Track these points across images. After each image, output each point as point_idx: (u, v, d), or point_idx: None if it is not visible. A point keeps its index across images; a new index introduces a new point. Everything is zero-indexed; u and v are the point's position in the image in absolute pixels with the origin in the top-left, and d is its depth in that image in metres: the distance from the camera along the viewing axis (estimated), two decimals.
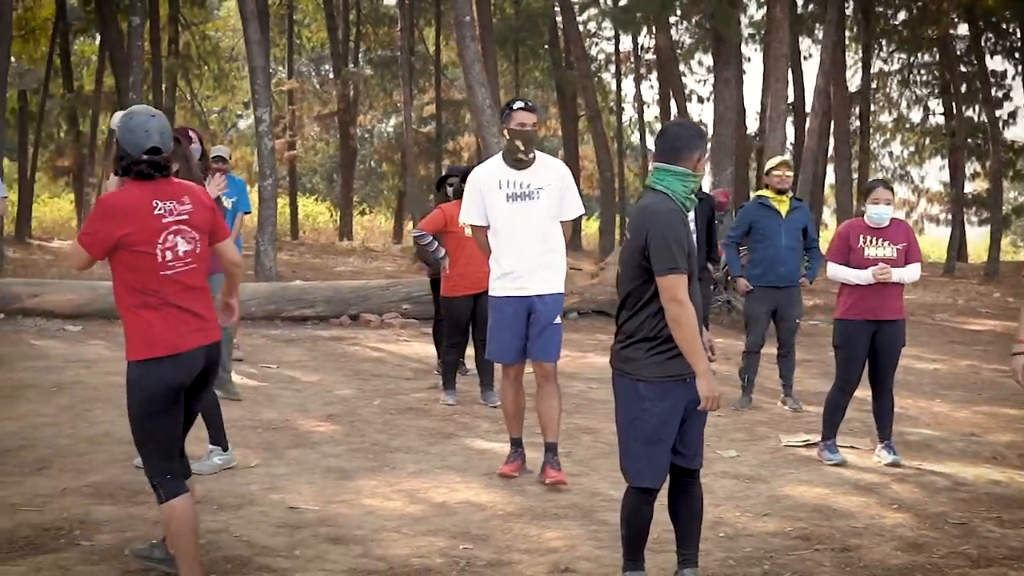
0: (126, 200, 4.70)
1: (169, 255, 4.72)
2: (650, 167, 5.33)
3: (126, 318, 4.77)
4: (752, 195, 16.19)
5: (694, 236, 7.74)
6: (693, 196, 4.84)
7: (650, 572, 5.13)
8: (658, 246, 4.64)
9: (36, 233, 32.09)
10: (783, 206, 9.68)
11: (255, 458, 7.52)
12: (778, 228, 9.60)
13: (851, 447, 8.25)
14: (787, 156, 10.29)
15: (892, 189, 8.00)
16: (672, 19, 27.95)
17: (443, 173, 11.24)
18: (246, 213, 11.01)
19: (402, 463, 7.54)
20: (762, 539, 6.02)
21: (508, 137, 7.10)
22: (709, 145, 30.85)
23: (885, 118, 40.21)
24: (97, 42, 39.20)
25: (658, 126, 37.02)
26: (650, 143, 37.80)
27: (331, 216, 44.89)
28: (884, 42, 35.07)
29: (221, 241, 5.08)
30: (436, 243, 9.71)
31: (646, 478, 4.81)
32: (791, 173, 9.86)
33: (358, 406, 9.45)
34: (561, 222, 7.18)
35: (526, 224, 7.05)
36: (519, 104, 7.11)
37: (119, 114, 4.98)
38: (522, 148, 7.04)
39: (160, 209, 4.72)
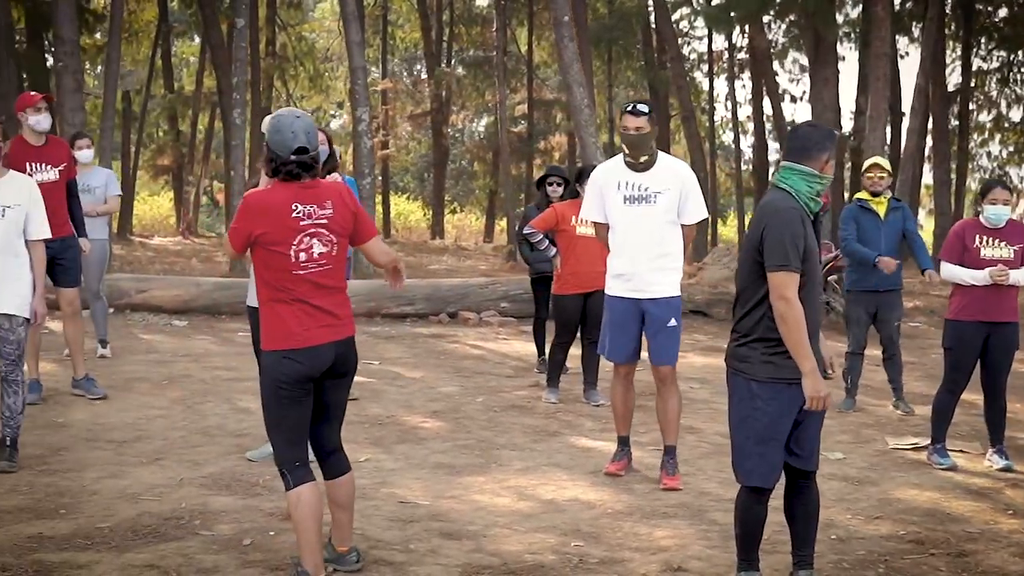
0: (266, 200, 4.85)
1: (303, 256, 4.83)
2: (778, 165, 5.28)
3: (262, 311, 4.93)
4: (850, 196, 16.00)
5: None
6: (818, 198, 4.82)
7: (763, 573, 5.12)
8: (772, 242, 4.63)
9: (136, 230, 32.74)
10: (881, 207, 9.55)
11: (364, 453, 7.62)
12: (877, 231, 9.47)
13: (960, 451, 8.15)
14: (883, 158, 10.07)
15: (1011, 189, 7.87)
16: (766, 18, 27.69)
17: (543, 173, 11.26)
18: None
19: (508, 460, 7.60)
20: (875, 542, 5.98)
21: (620, 141, 7.12)
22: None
23: (984, 117, 39.48)
24: (196, 43, 39.98)
25: (750, 126, 36.77)
26: (744, 143, 37.57)
27: (423, 215, 45.23)
28: (984, 40, 34.42)
29: (366, 242, 5.17)
30: (547, 241, 9.75)
31: (757, 477, 4.81)
32: (885, 174, 9.68)
33: (462, 403, 9.54)
34: (683, 225, 7.17)
35: (641, 227, 7.04)
36: (628, 107, 7.08)
37: (268, 118, 5.10)
38: (628, 152, 7.05)
39: (298, 212, 4.83)
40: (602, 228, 7.33)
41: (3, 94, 16.79)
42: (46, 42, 28.50)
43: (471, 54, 38.72)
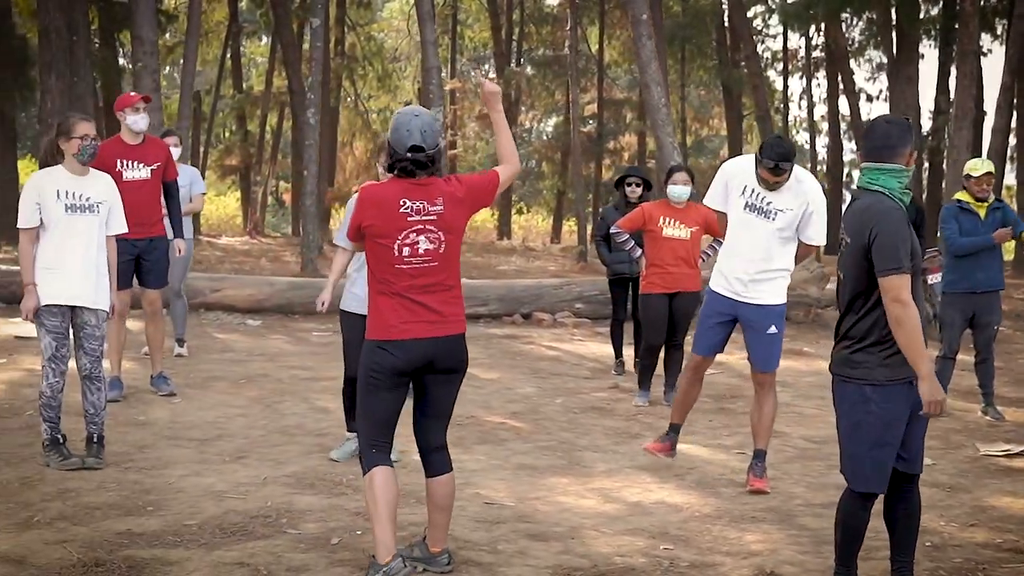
0: (377, 194, 4.93)
1: (407, 251, 4.89)
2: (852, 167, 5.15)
3: (369, 301, 5.04)
4: (927, 198, 15.72)
5: None
6: (907, 190, 4.71)
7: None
8: (882, 245, 4.52)
9: (203, 230, 33.03)
10: (981, 209, 9.36)
11: None
12: (976, 231, 9.29)
13: None
14: (990, 165, 9.78)
15: None
16: (843, 15, 27.39)
17: (622, 173, 11.16)
18: None
19: (591, 462, 7.53)
20: (971, 550, 5.83)
21: (759, 182, 6.90)
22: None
23: None
24: (263, 43, 40.27)
25: (825, 125, 36.43)
26: (819, 142, 37.19)
27: (490, 215, 45.24)
28: None
29: (496, 189, 5.22)
30: (632, 241, 9.66)
31: (874, 482, 4.70)
32: (990, 187, 9.47)
33: (540, 404, 9.48)
34: (803, 244, 7.03)
35: (754, 237, 6.93)
36: (770, 164, 6.71)
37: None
38: (767, 188, 6.88)
39: (406, 207, 4.89)
40: (724, 218, 7.27)
41: (80, 95, 16.98)
42: (117, 42, 28.96)
43: (541, 53, 38.67)
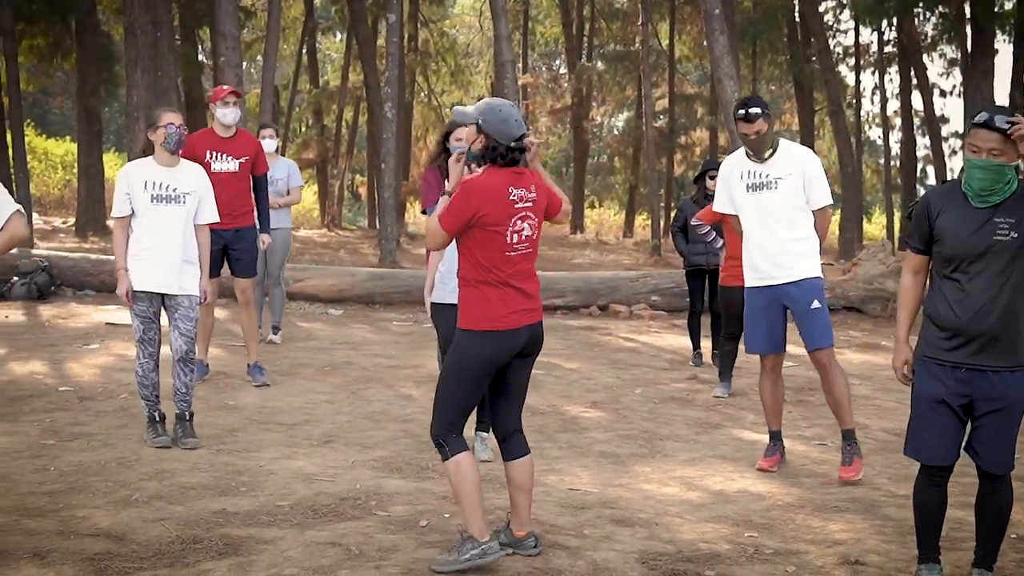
0: (487, 184, 5.05)
1: (515, 237, 5.07)
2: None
3: (466, 292, 5.13)
4: None
5: None
6: None
7: (944, 569, 5.04)
8: None
9: None
10: None
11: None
12: None
13: None
14: None
15: None
16: (916, 8, 27.10)
17: (701, 167, 11.22)
18: None
19: (673, 451, 7.61)
20: None
21: (742, 143, 7.15)
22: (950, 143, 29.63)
23: None
24: (339, 39, 40.66)
25: (898, 121, 36.00)
26: (892, 138, 36.79)
27: None
28: None
29: (555, 214, 5.40)
30: (714, 232, 9.72)
31: (912, 450, 4.94)
32: None
33: (620, 394, 9.58)
34: (814, 212, 7.12)
35: (766, 214, 7.05)
36: (740, 114, 6.98)
37: (470, 108, 5.27)
38: (752, 153, 7.06)
39: (513, 195, 5.06)
40: (736, 220, 7.36)
41: (164, 89, 17.31)
42: (197, 38, 29.42)
43: (612, 48, 38.66)
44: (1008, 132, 4.54)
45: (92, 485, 6.28)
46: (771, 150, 7.07)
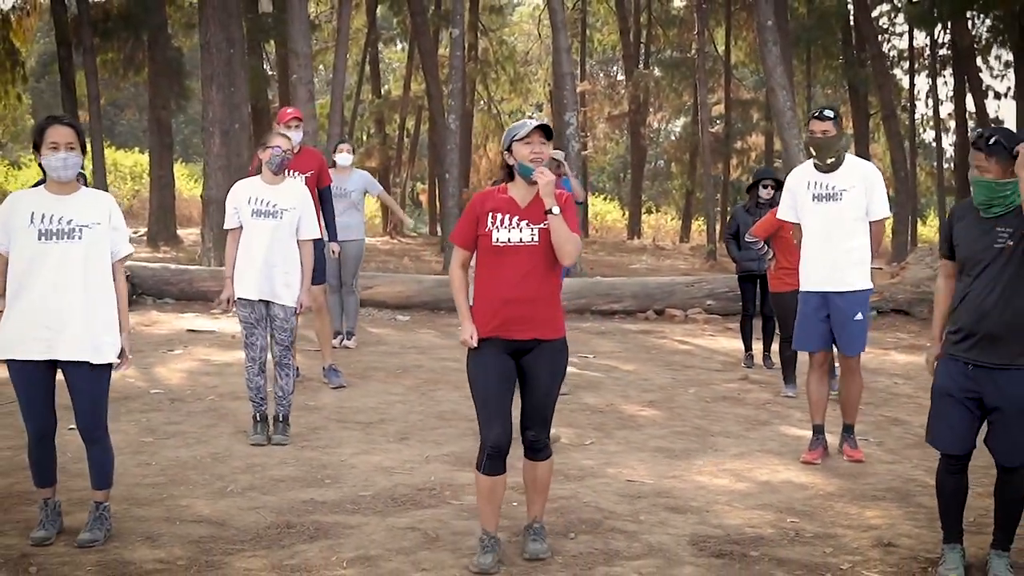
0: None
1: None
2: None
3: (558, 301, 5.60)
4: None
5: None
6: None
7: (969, 550, 5.53)
8: None
9: None
10: None
11: (589, 437, 8.28)
12: None
13: None
14: None
15: None
16: (969, 12, 27.33)
17: (754, 176, 11.67)
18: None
19: (724, 446, 8.14)
20: None
21: (807, 145, 7.78)
22: None
23: None
24: (400, 48, 41.33)
25: (952, 124, 36.08)
26: (945, 141, 36.87)
27: (621, 214, 45.74)
28: None
29: None
30: (765, 246, 10.19)
31: (931, 439, 5.47)
32: None
33: (675, 394, 10.12)
34: (871, 223, 7.68)
35: (829, 223, 7.62)
36: (814, 113, 7.72)
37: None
38: (816, 154, 7.64)
39: None
40: (796, 229, 7.98)
41: (236, 104, 18.02)
42: (263, 52, 30.21)
43: (668, 55, 39.05)
44: (991, 145, 5.13)
45: (190, 478, 6.93)
46: (837, 160, 7.64)
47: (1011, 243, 5.15)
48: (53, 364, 5.61)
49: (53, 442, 5.75)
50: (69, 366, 5.58)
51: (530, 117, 49.43)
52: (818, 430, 7.88)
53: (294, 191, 8.09)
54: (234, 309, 8.07)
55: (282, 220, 7.93)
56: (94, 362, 5.58)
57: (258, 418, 8.00)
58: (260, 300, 7.93)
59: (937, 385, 5.38)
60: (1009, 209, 5.17)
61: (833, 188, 7.60)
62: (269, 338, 8.06)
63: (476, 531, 5.68)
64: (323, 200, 10.01)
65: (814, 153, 7.65)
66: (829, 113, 7.64)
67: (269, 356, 8.10)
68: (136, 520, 6.04)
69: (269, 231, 7.90)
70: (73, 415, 5.73)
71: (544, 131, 5.38)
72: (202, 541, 5.72)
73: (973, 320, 5.20)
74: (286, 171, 9.61)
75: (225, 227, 8.19)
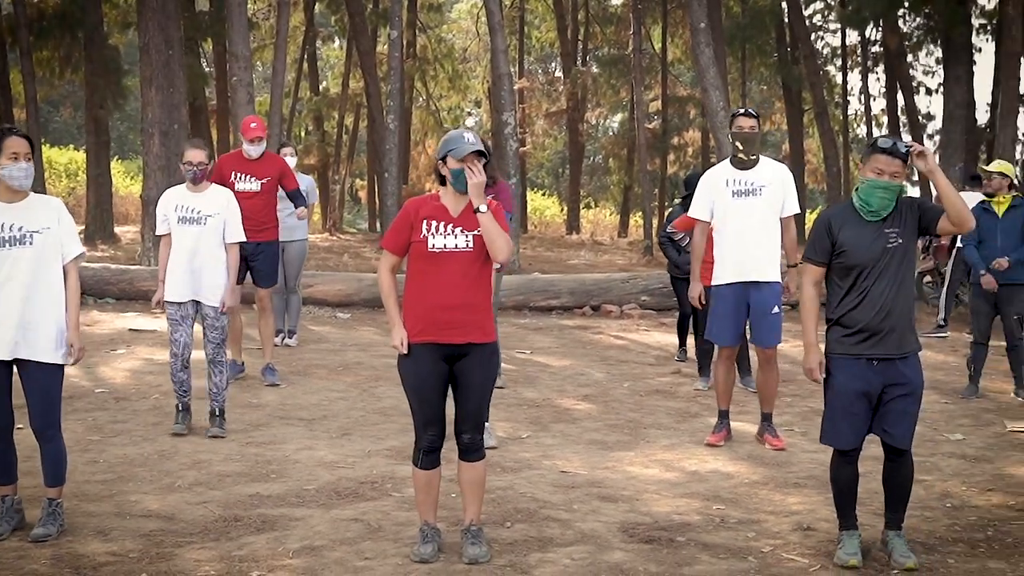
0: None
1: None
2: None
3: None
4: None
5: None
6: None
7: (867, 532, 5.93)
8: None
9: None
10: (1001, 207, 10.15)
11: (525, 431, 8.57)
12: (994, 229, 10.08)
13: None
14: (1002, 161, 10.72)
15: None
16: (900, 11, 27.88)
17: (686, 183, 11.95)
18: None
19: (655, 437, 8.46)
20: (986, 510, 6.65)
21: (731, 140, 8.16)
22: (936, 140, 30.36)
23: None
24: (338, 46, 41.37)
25: (884, 119, 36.73)
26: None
27: (559, 210, 46.05)
28: None
29: None
30: (689, 239, 10.53)
31: (827, 439, 5.78)
32: (996, 176, 10.26)
33: (609, 388, 10.44)
34: (783, 219, 8.10)
35: (749, 217, 8.01)
36: (740, 111, 8.21)
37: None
38: (741, 148, 8.04)
39: None
40: (702, 227, 8.32)
41: (175, 104, 18.08)
42: (200, 50, 30.19)
43: (606, 52, 39.42)
44: (908, 152, 5.43)
45: (138, 474, 7.15)
46: (755, 156, 8.10)
47: (901, 241, 5.50)
48: (9, 364, 5.83)
49: (12, 439, 5.96)
50: (25, 365, 5.81)
51: (469, 113, 49.64)
52: (723, 415, 8.31)
53: (220, 198, 8.42)
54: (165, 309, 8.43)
55: (206, 226, 8.28)
56: (48, 362, 5.81)
57: (180, 408, 8.38)
58: (190, 301, 8.29)
59: (845, 388, 5.60)
60: (891, 211, 5.54)
61: (752, 184, 8.01)
62: (198, 335, 8.43)
63: (416, 522, 5.90)
64: (293, 198, 10.55)
65: (740, 147, 8.03)
66: (753, 112, 8.22)
67: (197, 352, 8.44)
68: (87, 515, 6.24)
69: (194, 236, 8.26)
70: (26, 414, 5.93)
71: (479, 154, 5.58)
72: (152, 534, 5.93)
73: (878, 319, 5.50)
74: (238, 174, 9.91)
75: (156, 233, 8.60)
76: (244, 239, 8.58)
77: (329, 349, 12.25)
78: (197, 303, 8.31)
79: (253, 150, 10.17)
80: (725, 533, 6.12)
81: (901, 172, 5.49)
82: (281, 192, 10.90)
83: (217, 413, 8.32)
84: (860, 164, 5.75)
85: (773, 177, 8.06)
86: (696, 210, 8.33)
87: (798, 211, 8.27)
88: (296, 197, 10.51)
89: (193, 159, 8.27)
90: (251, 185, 10.10)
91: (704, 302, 8.52)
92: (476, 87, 43.11)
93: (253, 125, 10.26)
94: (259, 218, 9.99)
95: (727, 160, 8.26)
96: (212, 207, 8.30)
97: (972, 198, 13.55)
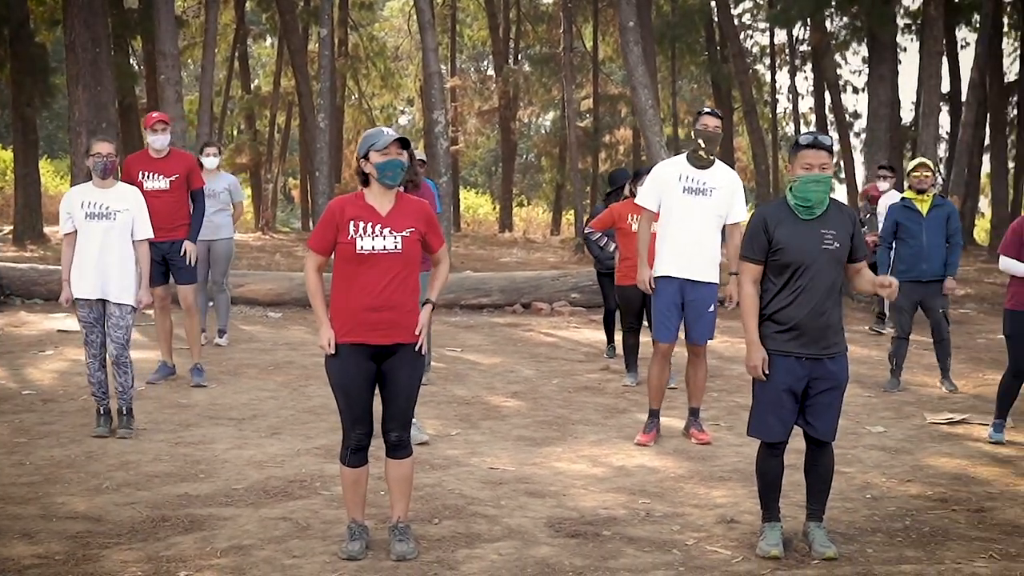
0: None
1: None
2: None
3: None
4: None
5: None
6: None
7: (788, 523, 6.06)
8: None
9: None
10: (924, 205, 10.37)
11: (455, 428, 8.63)
12: (918, 227, 10.31)
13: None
14: (927, 159, 11.05)
15: None
16: (827, 11, 28.29)
17: (610, 180, 12.10)
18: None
19: (583, 433, 8.56)
20: (904, 500, 6.83)
21: (694, 137, 8.20)
22: (862, 138, 30.74)
23: None
24: (269, 44, 41.16)
25: (813, 117, 37.24)
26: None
27: (492, 208, 46.14)
28: None
29: None
30: (606, 238, 10.68)
31: (754, 431, 5.89)
32: (930, 173, 10.52)
33: (538, 385, 10.53)
34: (728, 226, 8.20)
35: (696, 217, 8.11)
36: (707, 110, 8.29)
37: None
38: (704, 146, 8.12)
39: None
40: (649, 217, 8.38)
41: (103, 103, 17.96)
42: (130, 47, 29.89)
43: (538, 51, 39.55)
44: (832, 143, 5.60)
45: (65, 476, 7.10)
46: (713, 157, 8.20)
47: (837, 245, 5.62)
48: None
49: None
50: None
51: (402, 112, 49.55)
52: (654, 414, 8.39)
53: (128, 194, 8.36)
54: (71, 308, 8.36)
55: (115, 221, 8.20)
56: None
57: (101, 411, 8.32)
58: (97, 299, 8.21)
59: (773, 382, 5.71)
60: (825, 209, 5.65)
61: (704, 184, 8.10)
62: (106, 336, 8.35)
63: (345, 520, 5.94)
64: (195, 202, 10.21)
65: (704, 144, 8.11)
66: (719, 113, 8.35)
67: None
68: (12, 518, 6.20)
69: (103, 232, 8.17)
70: None
71: (402, 143, 5.63)
72: (79, 536, 5.90)
73: (811, 317, 5.62)
74: (145, 172, 9.81)
75: (59, 232, 8.50)
76: (152, 236, 8.50)
77: (260, 348, 12.23)
78: (103, 302, 8.23)
79: (157, 140, 10.01)
80: (650, 527, 6.22)
81: (829, 164, 5.62)
82: (207, 190, 10.86)
83: (124, 412, 8.31)
84: (788, 165, 5.86)
85: (725, 182, 8.16)
86: (644, 199, 8.40)
87: (744, 219, 8.26)
88: (197, 198, 10.26)
89: (101, 150, 8.18)
90: (160, 183, 9.98)
91: (653, 287, 8.55)
92: (408, 85, 43.12)
93: (155, 115, 10.22)
94: (171, 216, 9.94)
95: (683, 155, 8.32)
96: (121, 203, 8.23)
97: (893, 196, 13.87)
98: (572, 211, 35.48)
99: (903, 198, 10.60)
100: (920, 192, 10.41)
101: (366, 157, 5.61)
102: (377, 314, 5.55)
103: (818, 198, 5.62)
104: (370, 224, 5.57)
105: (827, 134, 5.70)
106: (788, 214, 5.71)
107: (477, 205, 48.29)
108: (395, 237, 5.56)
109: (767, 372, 5.71)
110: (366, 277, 5.56)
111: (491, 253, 26.84)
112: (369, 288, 5.55)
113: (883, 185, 14.10)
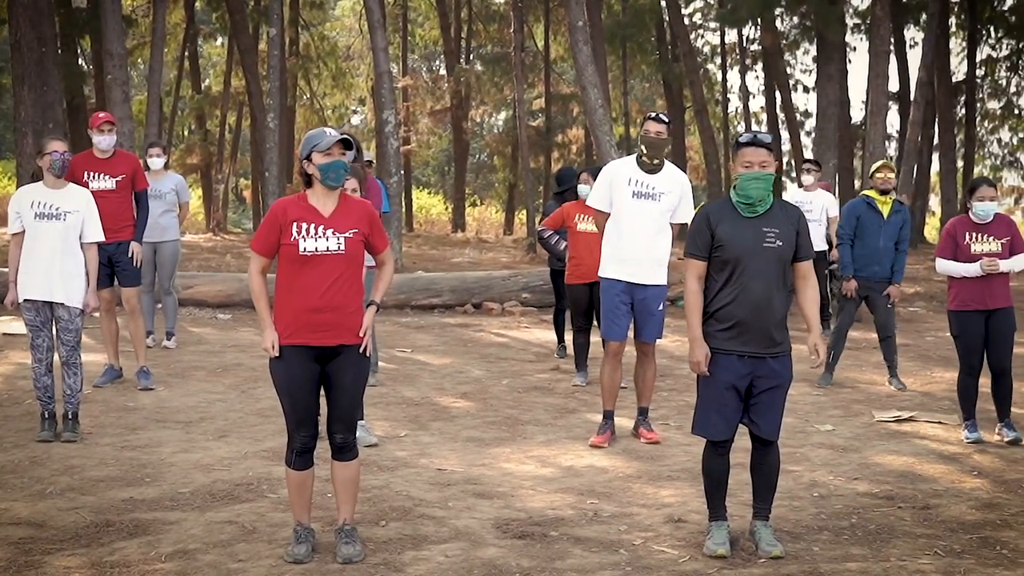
0: None
1: None
2: None
3: None
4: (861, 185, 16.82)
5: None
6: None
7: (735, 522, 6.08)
8: None
9: None
10: (886, 207, 10.43)
11: (404, 429, 8.60)
12: (878, 229, 10.37)
13: (939, 422, 9.05)
14: (889, 159, 11.19)
15: (995, 186, 8.68)
16: (777, 11, 28.52)
17: (558, 179, 12.13)
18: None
19: (532, 434, 8.56)
20: (851, 498, 6.88)
21: (639, 143, 8.20)
22: (812, 137, 31.01)
23: (994, 105, 39.87)
24: (220, 44, 40.91)
25: (764, 116, 37.51)
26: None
27: (445, 208, 46.10)
28: (992, 28, 34.84)
29: None
30: (557, 236, 10.71)
31: (698, 429, 5.91)
32: (893, 175, 10.62)
33: (488, 385, 10.51)
34: (672, 224, 8.22)
35: (644, 220, 8.12)
36: (652, 115, 8.24)
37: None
38: (647, 152, 8.11)
39: None
40: (603, 217, 8.37)
41: (50, 103, 17.78)
42: (78, 47, 29.61)
43: (489, 50, 39.57)
44: (771, 141, 5.66)
45: (8, 482, 7.01)
46: (660, 161, 8.18)
47: (779, 243, 5.65)
48: None
49: None
50: None
51: (354, 111, 49.40)
52: (608, 415, 8.39)
53: (78, 195, 8.26)
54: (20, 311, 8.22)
55: (66, 222, 8.09)
56: None
57: (46, 415, 8.19)
58: (45, 302, 8.09)
59: (716, 380, 5.74)
60: (768, 207, 5.68)
61: (653, 188, 8.10)
62: (56, 339, 8.22)
63: (291, 523, 5.91)
64: (139, 203, 10.13)
65: (646, 151, 8.11)
66: (664, 118, 8.21)
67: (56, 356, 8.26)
68: None
69: (53, 233, 8.07)
70: None
71: (344, 144, 5.62)
72: (21, 542, 5.83)
73: (752, 315, 5.64)
74: (91, 173, 9.70)
75: (8, 232, 8.38)
76: (103, 239, 8.42)
77: (208, 351, 12.14)
78: (51, 304, 8.11)
79: (102, 140, 9.92)
80: (598, 527, 6.23)
81: (770, 161, 5.65)
82: (153, 191, 10.78)
83: (71, 416, 8.21)
84: (732, 164, 5.89)
85: (673, 185, 8.16)
86: (595, 200, 8.39)
87: (688, 220, 8.31)
88: (141, 200, 10.17)
89: (58, 148, 8.07)
90: (106, 183, 9.89)
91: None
92: (360, 85, 42.99)
93: (101, 115, 10.13)
94: (117, 217, 9.84)
95: (633, 158, 8.31)
96: (72, 204, 8.12)
97: (825, 195, 14.01)
98: (524, 211, 35.52)
99: (866, 196, 10.61)
100: (883, 193, 10.47)
101: (308, 158, 5.58)
102: (320, 315, 5.52)
103: (759, 195, 5.65)
104: (313, 225, 5.54)
105: (770, 133, 5.73)
106: (731, 211, 5.74)
107: (430, 205, 48.22)
108: (338, 238, 5.54)
109: (710, 369, 5.72)
110: (309, 278, 5.53)
111: (443, 253, 26.81)
112: (312, 289, 5.52)
113: (807, 179, 14.17)
